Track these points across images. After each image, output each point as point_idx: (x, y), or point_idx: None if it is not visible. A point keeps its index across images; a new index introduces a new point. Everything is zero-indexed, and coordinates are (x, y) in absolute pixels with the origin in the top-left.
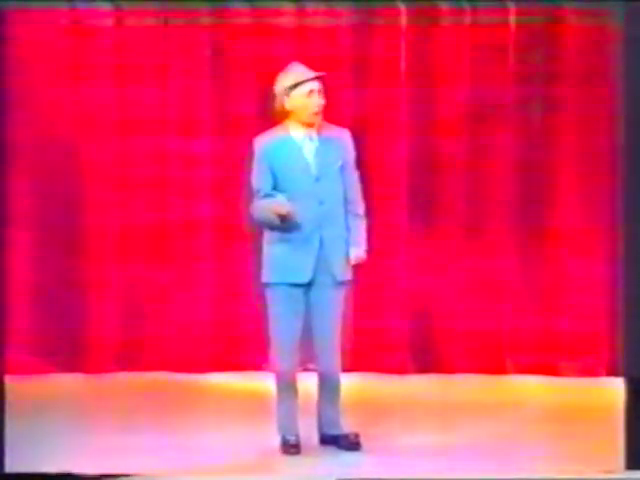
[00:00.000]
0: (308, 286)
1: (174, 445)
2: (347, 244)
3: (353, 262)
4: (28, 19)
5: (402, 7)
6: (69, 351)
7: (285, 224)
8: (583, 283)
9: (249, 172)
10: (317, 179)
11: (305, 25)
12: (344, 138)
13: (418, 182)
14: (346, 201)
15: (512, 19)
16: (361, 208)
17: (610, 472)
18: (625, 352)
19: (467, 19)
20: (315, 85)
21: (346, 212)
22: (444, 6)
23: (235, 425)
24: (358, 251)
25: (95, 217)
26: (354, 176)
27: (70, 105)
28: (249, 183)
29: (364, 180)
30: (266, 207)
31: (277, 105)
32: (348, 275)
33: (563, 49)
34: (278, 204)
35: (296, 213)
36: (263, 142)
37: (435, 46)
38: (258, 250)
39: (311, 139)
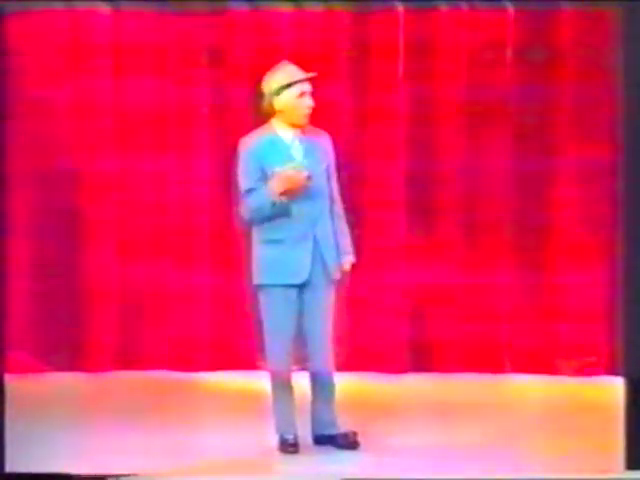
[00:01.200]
0: (302, 286)
1: (173, 444)
2: (337, 243)
3: (346, 268)
4: (28, 19)
5: (400, 8)
6: (68, 350)
7: (294, 197)
8: (582, 283)
9: (235, 173)
10: (308, 178)
11: (303, 22)
12: (326, 141)
13: (417, 182)
14: (331, 201)
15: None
16: (342, 209)
17: (610, 472)
18: (624, 352)
19: (465, 22)
20: (306, 86)
21: (331, 212)
22: (442, 6)
23: (234, 424)
24: (349, 257)
25: (94, 216)
26: (335, 177)
27: (70, 105)
28: (236, 184)
29: (362, 181)
30: (280, 181)
31: (265, 104)
32: (339, 274)
33: (562, 46)
34: (296, 170)
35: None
36: (251, 142)
37: (433, 44)
38: (248, 252)
39: (299, 139)
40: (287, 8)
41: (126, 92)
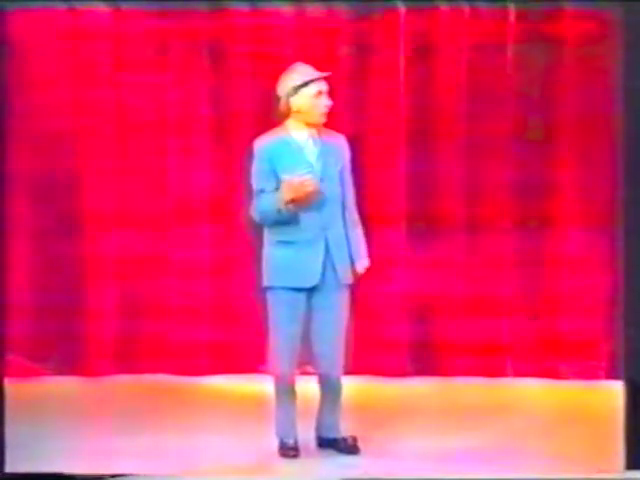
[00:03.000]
0: (312, 290)
1: (172, 448)
2: (349, 248)
3: (360, 271)
4: (27, 19)
5: (401, 8)
6: (67, 354)
7: (302, 206)
8: (583, 286)
9: (249, 173)
10: (321, 180)
11: (303, 22)
12: (342, 143)
13: (418, 187)
14: (343, 205)
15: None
16: (356, 213)
17: (610, 472)
18: (624, 354)
19: (466, 22)
20: (323, 86)
21: (343, 217)
22: (444, 6)
23: (234, 428)
24: (363, 261)
25: (93, 222)
26: (350, 180)
27: (70, 105)
28: (249, 184)
29: (363, 183)
30: (288, 189)
31: (282, 106)
32: (351, 278)
33: (564, 46)
34: (304, 179)
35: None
36: (264, 143)
37: (434, 45)
38: (258, 253)
39: (313, 141)
40: (288, 8)
41: (126, 92)
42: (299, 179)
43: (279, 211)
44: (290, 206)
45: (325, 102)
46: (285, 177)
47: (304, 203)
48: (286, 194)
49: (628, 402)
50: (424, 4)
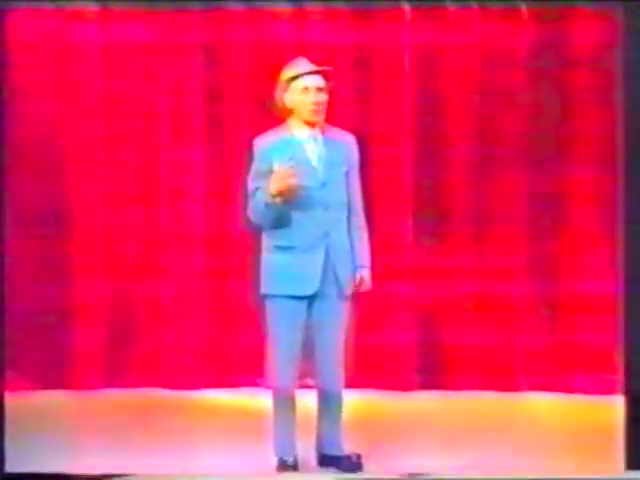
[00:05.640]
0: (312, 298)
1: (165, 465)
2: (353, 254)
3: (358, 281)
4: (24, 19)
5: (406, 7)
6: (58, 368)
7: (287, 199)
8: (597, 299)
9: (248, 174)
10: (323, 184)
11: (304, 22)
12: (350, 142)
13: (424, 191)
14: (349, 210)
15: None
16: (363, 219)
17: (610, 472)
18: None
19: (475, 22)
20: (311, 81)
21: (349, 222)
22: (450, 6)
23: (229, 445)
24: (364, 271)
25: (83, 234)
26: (358, 183)
27: (65, 105)
28: (245, 184)
29: (366, 185)
30: (273, 180)
31: (277, 101)
32: (352, 287)
33: (575, 47)
34: (284, 168)
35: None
36: (264, 142)
37: (441, 46)
38: (256, 259)
39: (315, 140)
40: (287, 7)
41: (117, 93)
42: (283, 168)
43: (267, 206)
44: (277, 199)
45: (313, 99)
46: (275, 166)
47: (288, 195)
48: (272, 186)
49: (629, 402)
50: (430, 3)
